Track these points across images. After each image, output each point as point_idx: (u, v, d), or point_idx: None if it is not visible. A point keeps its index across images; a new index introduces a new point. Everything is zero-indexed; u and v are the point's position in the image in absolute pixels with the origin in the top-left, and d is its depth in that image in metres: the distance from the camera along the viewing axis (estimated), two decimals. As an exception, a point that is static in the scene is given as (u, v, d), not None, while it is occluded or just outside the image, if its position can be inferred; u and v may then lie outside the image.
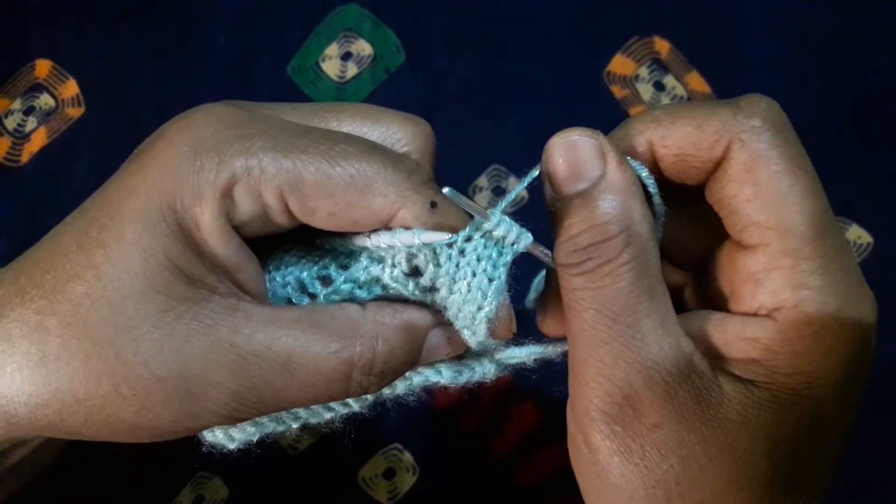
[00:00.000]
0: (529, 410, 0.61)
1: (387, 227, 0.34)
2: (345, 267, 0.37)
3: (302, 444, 0.60)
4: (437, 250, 0.35)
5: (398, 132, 0.36)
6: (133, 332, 0.31)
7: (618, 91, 0.68)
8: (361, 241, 0.36)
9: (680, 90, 0.68)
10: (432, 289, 0.37)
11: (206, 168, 0.32)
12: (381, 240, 0.35)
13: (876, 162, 0.67)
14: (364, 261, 0.37)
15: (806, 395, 0.32)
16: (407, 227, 0.34)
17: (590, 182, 0.33)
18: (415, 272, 0.36)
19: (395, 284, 0.37)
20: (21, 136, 0.66)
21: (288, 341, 0.33)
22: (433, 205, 0.34)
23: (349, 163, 0.33)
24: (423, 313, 0.36)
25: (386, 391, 0.38)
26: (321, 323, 0.34)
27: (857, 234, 0.65)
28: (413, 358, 0.36)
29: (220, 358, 0.32)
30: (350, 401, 0.38)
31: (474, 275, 0.35)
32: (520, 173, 0.65)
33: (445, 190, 0.33)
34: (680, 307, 0.35)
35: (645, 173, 0.34)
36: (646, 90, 0.68)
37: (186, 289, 0.32)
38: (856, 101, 0.68)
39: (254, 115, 0.34)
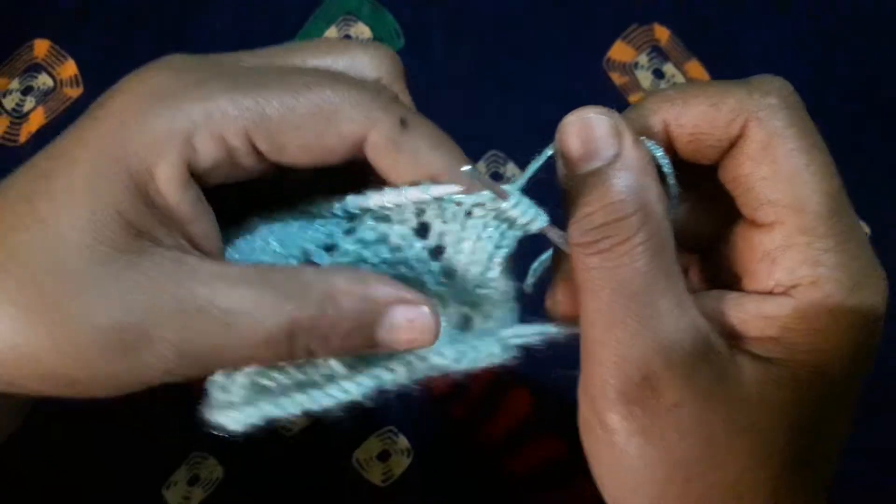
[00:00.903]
0: (523, 396, 0.61)
1: (362, 153, 0.34)
2: (349, 231, 0.37)
3: (297, 424, 0.60)
4: (444, 206, 0.35)
5: (363, 60, 0.36)
6: (73, 282, 0.30)
7: (617, 78, 0.68)
8: (365, 202, 0.35)
9: (679, 78, 0.68)
10: (439, 250, 0.36)
11: (162, 116, 0.32)
12: (386, 198, 0.34)
13: (875, 153, 0.67)
14: (370, 220, 0.37)
15: (823, 372, 0.32)
16: (383, 152, 0.33)
17: (605, 161, 0.32)
18: (422, 230, 0.36)
19: (401, 242, 0.36)
20: (19, 116, 0.66)
21: (233, 297, 0.32)
22: (403, 122, 0.33)
23: (312, 92, 0.32)
24: (384, 286, 0.34)
25: (387, 377, 0.38)
26: (270, 281, 0.33)
27: (854, 225, 0.65)
28: (366, 331, 0.34)
29: (161, 311, 0.31)
30: (350, 388, 0.37)
31: (479, 238, 0.35)
32: (518, 159, 0.65)
33: (465, 168, 0.33)
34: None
35: (660, 153, 0.34)
36: (645, 77, 0.68)
37: (132, 241, 0.31)
38: (856, 91, 0.68)
39: (210, 61, 0.34)
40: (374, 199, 0.36)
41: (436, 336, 0.35)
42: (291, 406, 0.37)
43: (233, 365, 0.34)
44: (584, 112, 0.33)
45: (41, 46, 0.67)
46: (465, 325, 0.40)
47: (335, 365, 0.38)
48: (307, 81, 0.33)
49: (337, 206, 0.37)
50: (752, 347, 0.33)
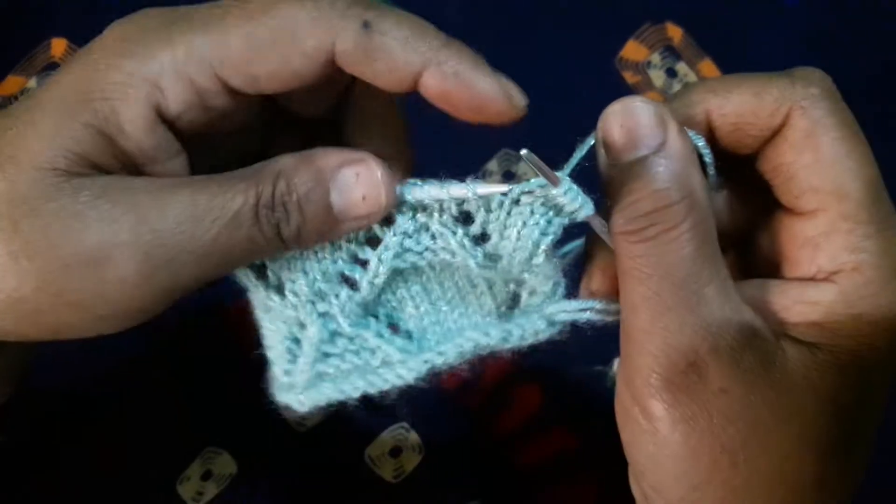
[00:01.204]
0: (534, 391, 0.61)
1: (335, 67, 0.33)
2: (387, 222, 0.37)
3: (310, 421, 0.60)
4: (490, 198, 0.35)
5: None
6: (29, 204, 0.31)
7: (630, 77, 0.68)
8: (417, 193, 0.35)
9: (692, 77, 0.68)
10: (483, 237, 0.37)
11: (129, 57, 0.32)
12: (427, 192, 0.35)
13: (886, 152, 0.67)
14: (409, 211, 0.37)
15: (866, 355, 0.32)
16: (355, 60, 0.33)
17: (650, 149, 0.32)
18: (465, 218, 0.36)
19: (443, 230, 0.37)
20: (37, 114, 0.66)
21: (191, 191, 0.32)
22: (366, 24, 0.32)
23: (268, 14, 0.32)
24: (329, 154, 0.34)
25: (438, 360, 0.38)
26: (224, 176, 0.33)
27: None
28: (318, 196, 0.34)
29: (120, 217, 0.31)
30: (403, 372, 0.38)
31: (525, 224, 0.35)
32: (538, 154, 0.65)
33: (522, 152, 0.33)
34: None
35: (702, 143, 0.34)
36: (658, 76, 0.68)
37: (88, 169, 0.32)
38: (867, 90, 0.68)
39: (181, 9, 0.34)
40: (415, 193, 0.36)
41: (386, 189, 0.34)
42: (352, 390, 0.38)
43: (209, 262, 0.33)
44: (628, 101, 0.34)
45: (59, 45, 0.68)
46: (513, 301, 0.41)
47: (390, 350, 0.39)
48: (261, 4, 0.32)
49: None
50: (797, 333, 0.33)
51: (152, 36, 0.33)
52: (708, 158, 0.35)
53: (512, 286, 0.40)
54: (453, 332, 0.40)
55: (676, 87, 0.68)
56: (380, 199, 0.35)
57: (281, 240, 0.34)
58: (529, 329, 0.38)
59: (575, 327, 0.39)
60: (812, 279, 0.34)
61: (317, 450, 0.60)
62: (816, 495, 0.33)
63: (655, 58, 0.68)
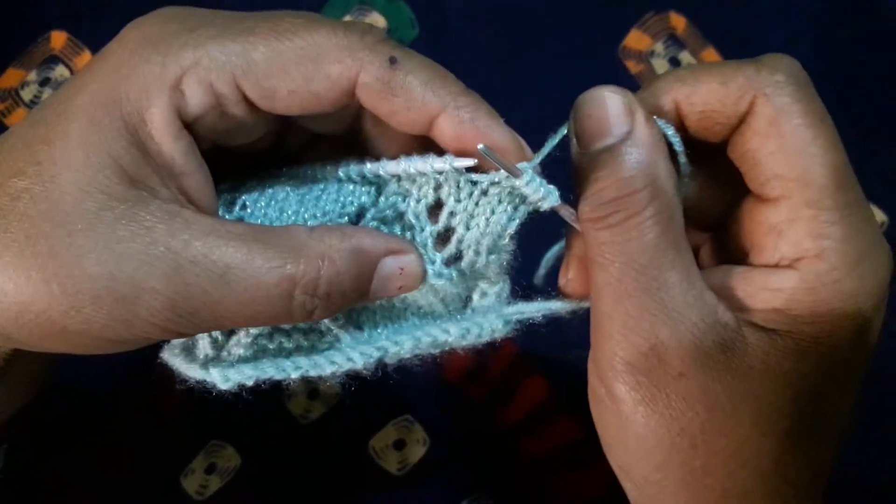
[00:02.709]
0: (539, 383, 0.61)
1: (353, 98, 0.34)
2: (373, 203, 0.38)
3: (313, 413, 0.60)
4: (461, 184, 0.36)
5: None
6: (68, 228, 0.31)
7: (633, 66, 0.67)
8: (392, 167, 0.36)
9: (695, 66, 0.67)
10: (446, 235, 0.37)
11: (153, 62, 0.32)
12: (412, 164, 0.35)
13: (892, 140, 0.66)
14: (392, 197, 0.37)
15: (827, 342, 0.33)
16: (375, 94, 0.33)
17: (617, 138, 0.33)
18: (437, 207, 0.37)
19: (414, 221, 0.37)
20: (37, 107, 0.66)
21: (228, 251, 0.32)
22: (392, 60, 0.33)
23: (298, 35, 0.32)
24: (374, 240, 0.35)
25: (392, 349, 0.38)
26: (265, 239, 0.33)
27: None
28: (362, 285, 0.35)
29: (154, 261, 0.31)
30: (354, 356, 0.37)
31: (493, 212, 0.36)
32: (535, 146, 0.65)
33: (479, 147, 0.33)
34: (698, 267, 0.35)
35: (671, 131, 0.35)
36: (661, 66, 0.68)
37: (127, 189, 0.31)
38: (873, 77, 0.68)
39: (202, 11, 0.34)
40: (391, 166, 0.36)
41: (422, 279, 0.37)
42: (293, 370, 0.37)
43: (230, 324, 0.34)
44: (598, 91, 0.34)
45: (58, 38, 0.68)
46: (465, 304, 0.41)
47: (341, 334, 0.39)
48: (293, 24, 0.33)
49: (353, 170, 0.37)
50: (759, 319, 0.33)
51: (174, 39, 0.32)
52: (678, 147, 0.35)
53: (464, 290, 0.41)
54: (404, 329, 0.40)
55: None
56: (414, 287, 0.37)
57: (310, 318, 0.34)
58: (487, 328, 0.39)
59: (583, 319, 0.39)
60: (776, 266, 0.34)
61: (320, 442, 0.60)
62: (778, 477, 0.33)
63: (659, 47, 0.68)
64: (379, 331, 0.40)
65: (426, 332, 0.39)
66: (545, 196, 0.35)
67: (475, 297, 0.41)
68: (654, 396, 0.33)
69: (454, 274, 0.39)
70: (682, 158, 0.36)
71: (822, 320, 0.33)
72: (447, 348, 0.39)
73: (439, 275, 0.39)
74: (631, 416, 0.33)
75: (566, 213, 0.36)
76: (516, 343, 0.62)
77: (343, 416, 0.61)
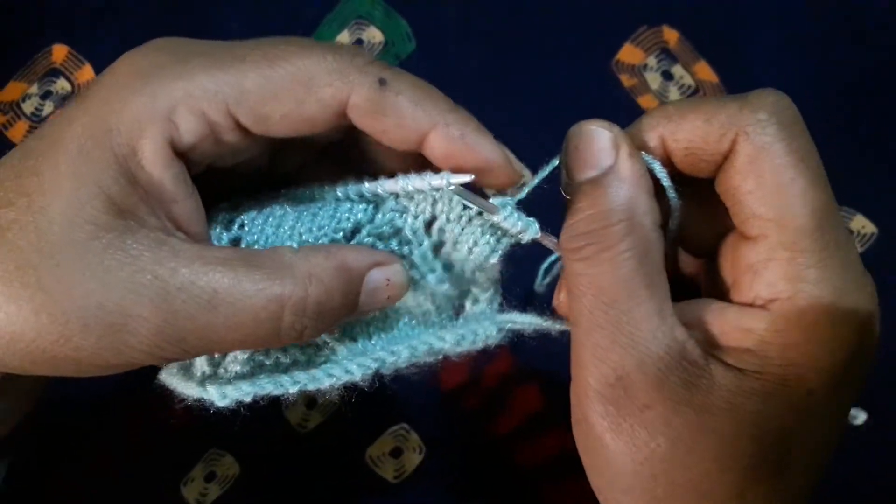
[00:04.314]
0: (533, 392, 0.62)
1: (345, 119, 0.34)
2: (370, 220, 0.38)
3: (311, 422, 0.61)
4: (454, 203, 0.37)
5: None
6: (56, 258, 0.31)
7: (626, 80, 0.68)
8: (390, 185, 0.37)
9: (688, 80, 0.68)
10: (440, 246, 0.38)
11: (144, 94, 0.32)
12: (409, 182, 0.36)
13: (883, 151, 0.67)
14: (389, 214, 0.38)
15: (795, 385, 0.32)
16: (366, 115, 0.34)
17: (599, 170, 0.34)
18: (433, 221, 0.38)
19: (412, 237, 0.38)
20: (38, 121, 0.67)
21: (214, 277, 0.32)
22: (382, 82, 0.34)
23: (289, 61, 0.33)
24: (358, 255, 0.36)
25: (389, 359, 0.38)
26: (251, 262, 0.33)
27: (862, 224, 0.66)
28: (350, 301, 0.36)
29: (141, 289, 0.31)
30: (352, 367, 0.38)
31: (475, 243, 0.37)
32: (529, 161, 0.65)
33: (450, 189, 0.34)
34: (696, 293, 0.36)
35: (658, 167, 0.35)
36: (654, 79, 0.68)
37: (115, 219, 0.32)
38: (865, 89, 0.68)
39: (191, 41, 0.35)
40: (389, 185, 0.37)
41: (408, 288, 0.38)
42: (291, 384, 0.38)
43: (220, 349, 0.34)
44: (586, 124, 0.35)
45: (60, 52, 0.68)
46: (458, 311, 0.42)
47: (337, 347, 0.40)
48: (283, 50, 0.33)
49: (351, 189, 0.38)
50: (729, 357, 0.34)
51: (166, 71, 0.33)
52: (665, 182, 0.36)
53: (456, 302, 0.42)
54: (397, 339, 0.41)
55: (672, 89, 0.68)
56: (400, 297, 0.37)
57: (300, 339, 0.35)
58: (481, 334, 0.40)
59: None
60: (751, 305, 0.34)
61: (318, 451, 0.61)
62: None
63: (651, 61, 0.69)
64: (373, 342, 0.41)
65: (422, 340, 0.39)
66: (524, 229, 0.36)
67: (468, 304, 0.42)
68: (619, 425, 0.33)
69: (448, 278, 0.40)
70: (671, 193, 0.36)
71: (789, 364, 0.33)
72: (442, 356, 0.40)
73: (442, 281, 0.40)
74: (600, 442, 0.34)
75: (549, 242, 0.37)
76: (511, 353, 0.62)
77: (340, 425, 0.61)
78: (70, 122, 0.33)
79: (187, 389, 0.38)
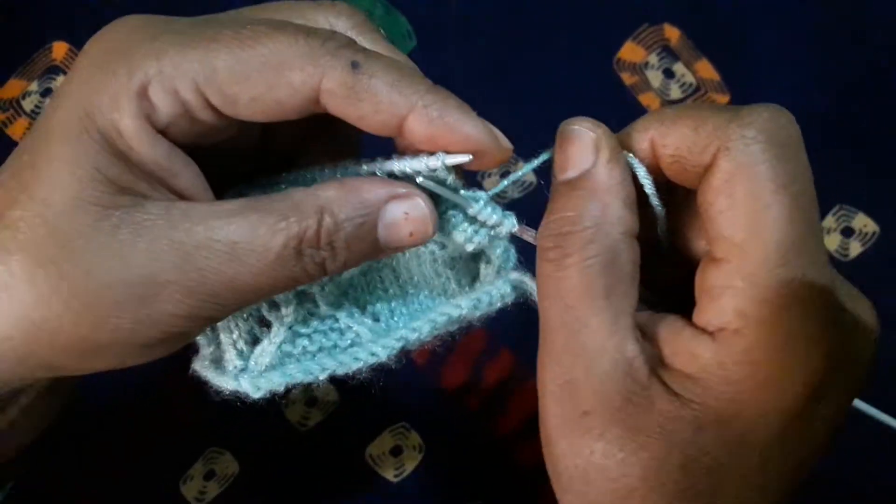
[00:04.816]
0: (534, 391, 0.61)
1: (319, 105, 0.33)
2: None
3: (311, 420, 0.61)
4: (440, 191, 0.36)
5: (321, 20, 0.36)
6: (70, 246, 0.31)
7: (627, 78, 0.68)
8: (387, 167, 0.36)
9: (689, 78, 0.68)
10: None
11: (118, 73, 0.32)
12: (406, 164, 0.35)
13: (884, 150, 0.67)
14: None
15: (730, 422, 0.31)
16: (341, 100, 0.33)
17: (576, 173, 0.33)
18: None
19: None
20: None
21: (231, 228, 0.32)
22: (355, 65, 0.32)
23: (259, 42, 0.32)
24: (373, 185, 0.34)
25: (412, 336, 0.38)
26: (262, 207, 0.33)
27: (863, 223, 0.65)
28: (366, 232, 0.34)
29: (162, 256, 0.31)
30: (377, 350, 0.38)
31: (454, 228, 0.37)
32: (530, 158, 0.65)
33: (419, 180, 0.34)
34: (691, 304, 0.34)
35: (643, 172, 0.34)
36: (655, 77, 0.68)
37: (118, 196, 0.32)
38: (867, 88, 0.68)
39: (164, 19, 0.34)
40: (385, 166, 0.36)
41: (433, 225, 0.35)
42: (320, 371, 0.38)
43: (255, 297, 0.34)
44: (573, 122, 0.34)
45: (60, 49, 0.68)
46: (475, 277, 0.41)
47: (362, 330, 0.40)
48: (254, 31, 0.32)
49: (350, 171, 0.37)
50: (673, 380, 0.32)
51: (138, 48, 0.32)
52: (648, 189, 0.34)
53: (472, 265, 0.41)
54: (419, 312, 0.41)
55: (674, 87, 0.68)
56: (427, 234, 0.35)
57: (325, 273, 0.34)
58: (496, 294, 0.39)
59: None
60: (703, 330, 0.32)
61: (318, 449, 0.61)
62: None
63: (653, 58, 0.69)
64: (395, 318, 0.41)
65: (440, 311, 0.39)
66: (499, 222, 0.36)
67: (481, 266, 0.41)
68: (562, 427, 0.33)
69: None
70: (655, 201, 0.35)
71: (728, 399, 0.31)
72: (464, 323, 0.40)
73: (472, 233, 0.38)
74: (550, 439, 0.34)
75: (528, 236, 0.36)
76: (512, 353, 0.62)
77: (340, 423, 0.61)
78: (56, 109, 0.33)
79: (222, 382, 0.38)
